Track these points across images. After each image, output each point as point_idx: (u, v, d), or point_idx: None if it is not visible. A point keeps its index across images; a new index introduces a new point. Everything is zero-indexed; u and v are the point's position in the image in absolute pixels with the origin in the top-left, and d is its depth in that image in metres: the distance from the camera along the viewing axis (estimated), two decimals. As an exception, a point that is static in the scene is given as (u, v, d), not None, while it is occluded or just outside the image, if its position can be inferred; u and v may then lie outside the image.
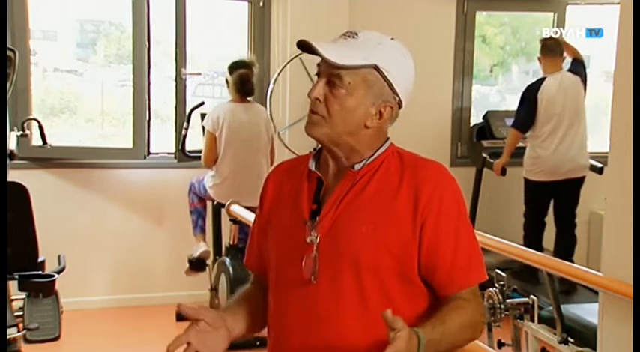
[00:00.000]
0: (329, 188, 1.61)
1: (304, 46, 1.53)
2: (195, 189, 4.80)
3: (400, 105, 1.59)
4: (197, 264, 4.81)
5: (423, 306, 1.58)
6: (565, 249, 4.98)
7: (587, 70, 5.25)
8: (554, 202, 5.08)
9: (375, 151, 1.59)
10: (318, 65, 1.57)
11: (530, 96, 4.96)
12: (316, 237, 1.55)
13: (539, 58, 5.09)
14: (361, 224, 1.54)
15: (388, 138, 1.63)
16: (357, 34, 1.55)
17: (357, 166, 1.58)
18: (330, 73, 1.54)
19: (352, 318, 1.51)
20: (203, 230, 4.84)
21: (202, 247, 4.79)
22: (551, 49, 5.06)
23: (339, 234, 1.55)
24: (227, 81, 4.68)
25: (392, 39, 1.58)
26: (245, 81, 4.61)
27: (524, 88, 5.11)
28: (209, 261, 4.85)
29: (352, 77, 1.53)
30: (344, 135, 1.56)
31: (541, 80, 4.98)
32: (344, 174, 1.59)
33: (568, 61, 5.15)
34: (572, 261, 4.74)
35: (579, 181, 5.02)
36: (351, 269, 1.53)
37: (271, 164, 4.78)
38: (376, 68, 1.54)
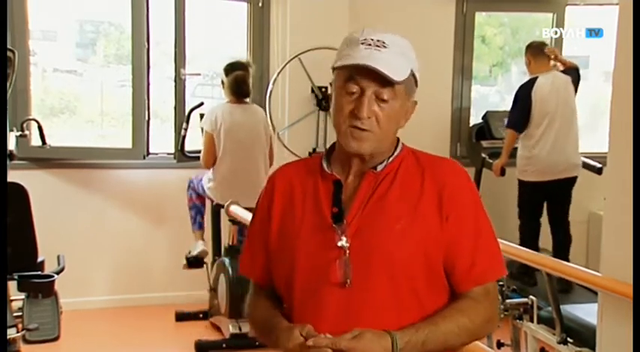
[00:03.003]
0: (348, 190, 1.61)
1: (356, 67, 1.53)
2: (194, 186, 4.80)
3: None
4: (194, 263, 4.82)
5: (444, 301, 1.60)
6: (561, 248, 4.98)
7: (587, 70, 5.26)
8: (547, 202, 5.07)
9: (393, 151, 1.62)
10: (353, 80, 1.54)
11: (523, 95, 4.95)
12: (347, 241, 1.55)
13: (528, 59, 5.08)
14: (393, 222, 1.55)
15: (398, 138, 1.65)
16: (384, 43, 1.53)
17: (379, 167, 1.60)
18: (378, 88, 1.53)
19: (387, 319, 1.52)
20: (201, 226, 4.83)
21: (200, 246, 4.79)
22: (541, 49, 5.07)
23: (369, 236, 1.55)
24: (223, 82, 4.68)
25: (400, 37, 1.59)
26: (241, 83, 4.61)
27: (517, 88, 5.10)
28: (207, 259, 4.85)
29: (399, 87, 1.55)
30: (387, 143, 1.60)
31: (533, 80, 4.97)
32: (364, 175, 1.60)
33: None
34: (568, 260, 4.75)
35: (572, 181, 5.02)
36: (385, 269, 1.54)
37: (270, 165, 4.77)
38: (412, 73, 1.57)
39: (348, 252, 1.54)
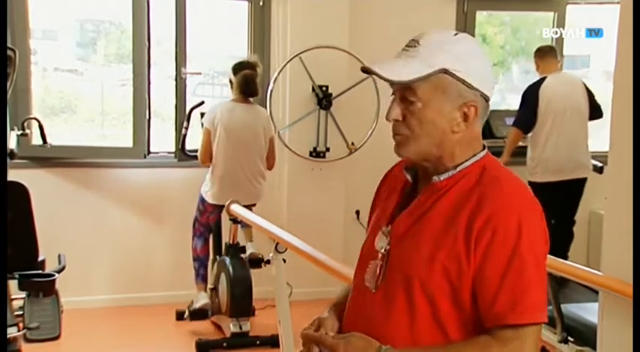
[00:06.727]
0: (416, 197, 1.56)
1: (366, 70, 1.51)
2: (197, 225, 4.76)
3: (486, 99, 1.51)
4: (197, 315, 4.69)
5: (475, 334, 1.46)
6: (561, 245, 4.96)
7: (587, 70, 5.27)
8: (556, 202, 5.06)
9: (462, 163, 1.51)
10: (392, 85, 1.52)
11: (531, 95, 4.96)
12: (387, 245, 1.53)
13: (536, 63, 5.09)
14: (423, 241, 1.48)
15: (484, 149, 1.55)
16: (418, 42, 1.49)
17: (436, 178, 1.51)
18: (401, 90, 1.49)
19: (400, 337, 1.46)
20: (204, 279, 4.77)
21: (203, 299, 4.67)
22: (547, 50, 5.09)
23: (403, 247, 1.51)
24: (231, 81, 4.66)
25: (455, 34, 1.52)
26: (249, 82, 4.59)
27: (526, 87, 5.11)
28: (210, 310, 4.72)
29: (423, 88, 1.47)
30: (431, 147, 1.50)
31: (542, 80, 4.99)
32: (428, 183, 1.54)
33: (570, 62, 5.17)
34: (566, 258, 4.75)
35: (582, 181, 5.01)
36: (404, 286, 1.48)
37: (270, 167, 4.74)
38: (445, 71, 1.47)
39: (382, 256, 1.53)
